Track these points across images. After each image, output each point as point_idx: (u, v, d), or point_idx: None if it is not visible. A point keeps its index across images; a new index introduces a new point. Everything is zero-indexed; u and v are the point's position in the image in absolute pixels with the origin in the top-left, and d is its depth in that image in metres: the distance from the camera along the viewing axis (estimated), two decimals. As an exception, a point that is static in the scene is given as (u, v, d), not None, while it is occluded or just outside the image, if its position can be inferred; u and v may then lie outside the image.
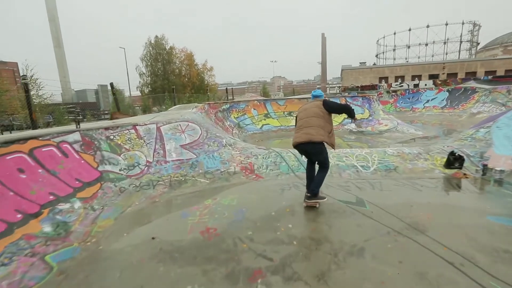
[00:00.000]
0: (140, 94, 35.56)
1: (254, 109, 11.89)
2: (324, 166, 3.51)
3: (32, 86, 17.12)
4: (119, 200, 4.06)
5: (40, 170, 3.61)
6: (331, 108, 3.55)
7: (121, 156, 4.87)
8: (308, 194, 3.55)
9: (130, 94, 34.93)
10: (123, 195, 4.19)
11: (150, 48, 35.18)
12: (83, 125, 5.16)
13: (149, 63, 35.55)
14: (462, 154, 4.86)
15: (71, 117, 22.43)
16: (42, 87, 17.81)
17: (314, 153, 3.49)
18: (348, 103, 12.36)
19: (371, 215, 3.26)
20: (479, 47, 51.91)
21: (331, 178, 4.75)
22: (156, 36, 35.18)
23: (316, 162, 3.63)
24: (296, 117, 3.85)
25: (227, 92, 24.23)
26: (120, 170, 4.64)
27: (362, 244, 2.65)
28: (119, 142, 5.06)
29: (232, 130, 10.05)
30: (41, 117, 14.38)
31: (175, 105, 12.82)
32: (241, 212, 3.55)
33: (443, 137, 9.55)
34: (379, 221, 3.10)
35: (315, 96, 3.82)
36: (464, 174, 4.60)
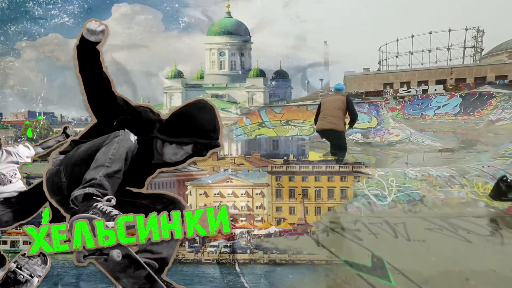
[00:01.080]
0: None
1: (247, 117, 10.67)
2: (343, 148, 4.25)
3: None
4: None
5: None
6: (350, 107, 4.39)
7: None
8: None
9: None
10: None
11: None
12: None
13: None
14: (517, 181, 3.50)
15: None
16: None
17: (334, 138, 4.30)
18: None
19: (401, 302, 1.91)
20: (483, 53, 50.75)
21: (333, 215, 3.41)
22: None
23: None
24: (319, 105, 4.54)
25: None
26: None
27: None
28: None
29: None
30: None
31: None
32: None
33: (467, 150, 8.15)
34: (419, 321, 1.75)
35: (337, 89, 4.58)
36: (525, 210, 3.24)
